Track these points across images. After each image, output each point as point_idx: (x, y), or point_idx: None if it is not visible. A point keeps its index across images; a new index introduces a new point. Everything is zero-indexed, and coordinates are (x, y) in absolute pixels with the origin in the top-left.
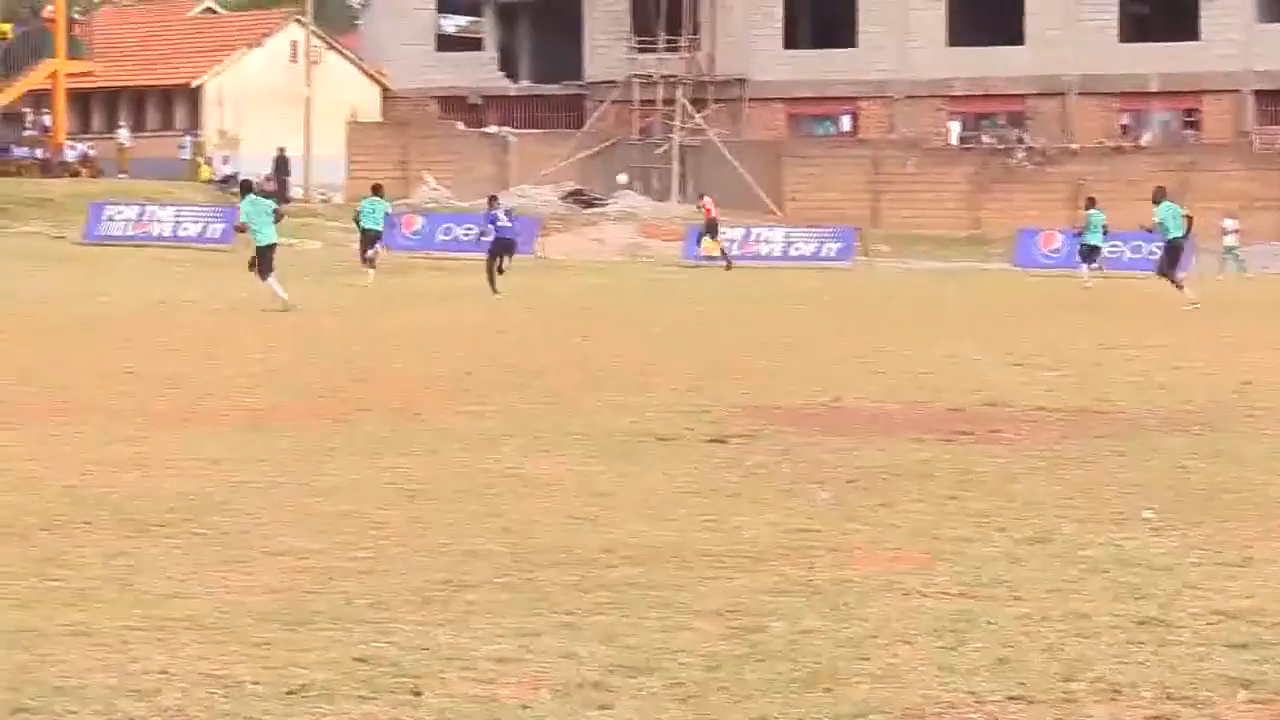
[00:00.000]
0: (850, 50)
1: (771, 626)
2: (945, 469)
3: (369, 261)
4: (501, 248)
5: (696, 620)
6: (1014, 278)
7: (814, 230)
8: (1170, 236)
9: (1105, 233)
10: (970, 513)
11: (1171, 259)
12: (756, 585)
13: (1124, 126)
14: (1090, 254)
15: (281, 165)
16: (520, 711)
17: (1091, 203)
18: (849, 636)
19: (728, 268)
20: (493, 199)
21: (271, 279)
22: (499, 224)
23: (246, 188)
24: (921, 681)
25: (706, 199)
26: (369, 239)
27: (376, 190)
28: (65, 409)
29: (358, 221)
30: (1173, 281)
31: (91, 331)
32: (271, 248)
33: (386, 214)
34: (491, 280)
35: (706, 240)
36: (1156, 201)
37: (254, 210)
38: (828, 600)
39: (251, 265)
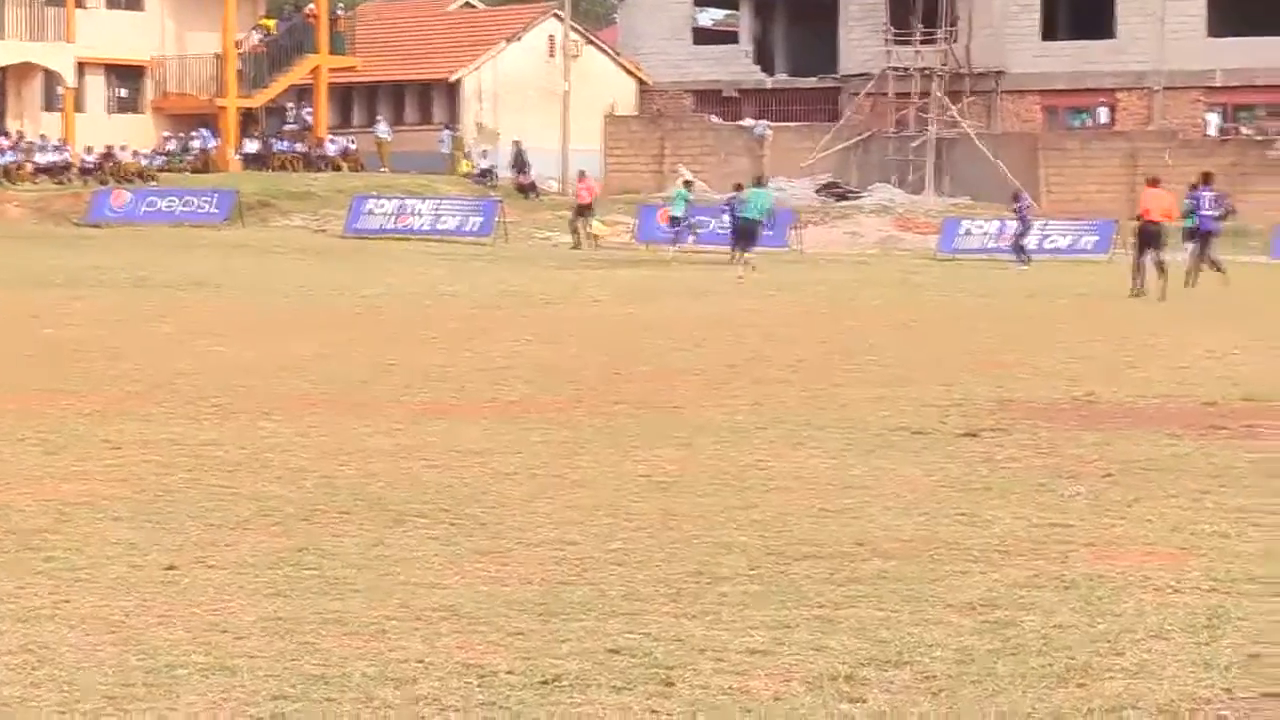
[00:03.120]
0: (1108, 41)
1: (1024, 621)
2: (1200, 465)
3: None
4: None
5: (948, 614)
6: (1273, 271)
7: (1071, 223)
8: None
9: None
10: (1225, 509)
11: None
12: (1009, 580)
13: None
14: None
15: (518, 158)
16: (772, 703)
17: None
18: (1102, 632)
19: (575, 247)
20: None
21: None
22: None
23: None
24: (1176, 677)
25: (586, 179)
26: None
27: (758, 181)
28: (327, 401)
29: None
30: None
31: (355, 324)
32: None
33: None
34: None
35: (594, 223)
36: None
37: None
38: (1081, 595)
39: None
